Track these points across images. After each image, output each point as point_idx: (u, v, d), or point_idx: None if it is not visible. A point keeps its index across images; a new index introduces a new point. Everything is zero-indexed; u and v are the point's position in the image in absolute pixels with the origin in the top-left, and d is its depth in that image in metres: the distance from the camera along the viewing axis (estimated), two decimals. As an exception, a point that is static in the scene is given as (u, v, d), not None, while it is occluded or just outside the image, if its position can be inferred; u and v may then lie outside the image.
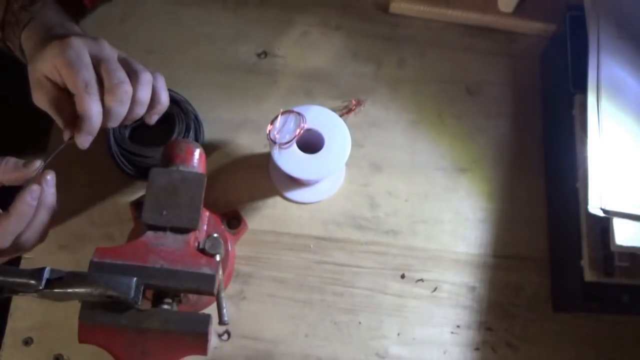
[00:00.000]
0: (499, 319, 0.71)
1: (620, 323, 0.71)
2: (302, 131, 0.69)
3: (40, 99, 0.60)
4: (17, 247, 0.56)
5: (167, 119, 0.73)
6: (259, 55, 0.81)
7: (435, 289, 0.72)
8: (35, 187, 0.54)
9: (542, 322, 0.71)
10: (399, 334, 0.70)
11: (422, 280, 0.72)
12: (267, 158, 0.76)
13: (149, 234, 0.57)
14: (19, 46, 0.64)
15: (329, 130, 0.70)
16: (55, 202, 0.57)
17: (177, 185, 0.59)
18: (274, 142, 0.69)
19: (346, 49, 0.82)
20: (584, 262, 0.65)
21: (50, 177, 0.56)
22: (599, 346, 0.71)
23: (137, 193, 0.73)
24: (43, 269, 0.50)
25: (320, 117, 0.70)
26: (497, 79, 0.82)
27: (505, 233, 0.75)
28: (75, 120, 0.58)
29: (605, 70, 0.69)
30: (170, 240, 0.57)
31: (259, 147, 0.77)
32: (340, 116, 0.75)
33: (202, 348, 0.54)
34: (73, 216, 0.72)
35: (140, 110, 0.61)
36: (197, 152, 0.63)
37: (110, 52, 0.60)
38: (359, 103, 0.79)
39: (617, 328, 0.71)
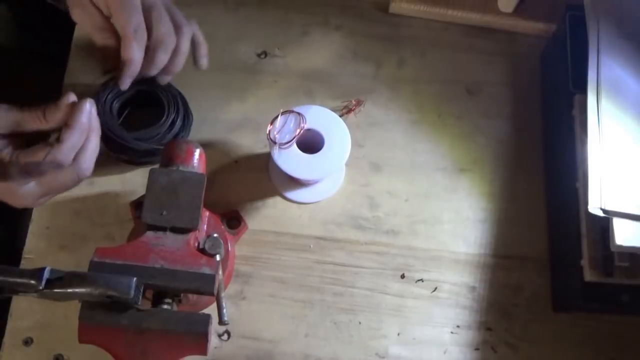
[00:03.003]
0: (499, 319, 0.71)
1: (620, 323, 0.71)
2: (302, 131, 0.69)
3: (82, 19, 0.61)
4: (77, 171, 0.57)
5: (154, 100, 0.72)
6: (259, 55, 0.81)
7: (435, 289, 0.72)
8: (89, 100, 0.55)
9: (542, 322, 0.71)
10: (399, 334, 0.70)
11: (422, 280, 0.72)
12: (267, 158, 0.76)
13: (149, 234, 0.58)
14: None
15: (329, 130, 0.70)
16: (100, 128, 0.58)
17: (177, 185, 0.59)
18: (274, 142, 0.69)
19: (346, 49, 0.82)
20: (584, 262, 0.65)
21: (90, 102, 0.56)
22: (599, 346, 0.71)
23: (137, 193, 0.73)
24: (43, 269, 0.50)
25: (320, 117, 0.70)
26: (497, 79, 0.82)
27: (505, 233, 0.75)
28: (112, 39, 0.60)
29: (605, 70, 0.69)
30: (170, 240, 0.57)
31: (259, 147, 0.77)
32: (340, 116, 0.75)
33: (202, 348, 0.54)
34: (73, 216, 0.72)
35: (181, 61, 0.62)
36: (197, 152, 0.63)
37: None
38: (359, 103, 0.79)
39: (617, 328, 0.71)
